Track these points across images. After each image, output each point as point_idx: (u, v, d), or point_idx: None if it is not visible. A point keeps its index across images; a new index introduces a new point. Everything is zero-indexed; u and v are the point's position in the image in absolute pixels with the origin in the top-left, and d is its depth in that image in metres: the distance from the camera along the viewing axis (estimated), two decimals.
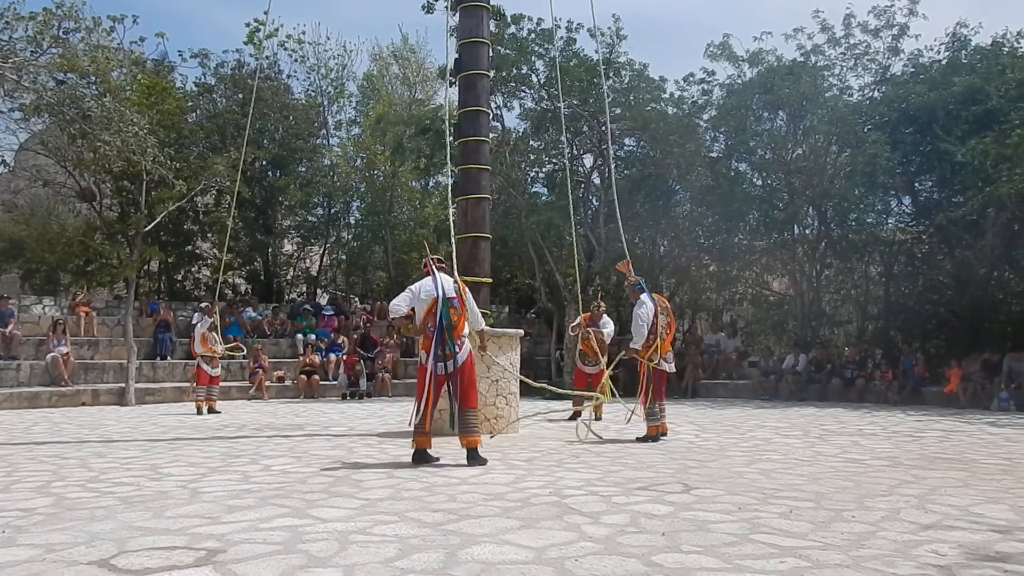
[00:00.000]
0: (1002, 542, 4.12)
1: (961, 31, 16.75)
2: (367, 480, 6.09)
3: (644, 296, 8.71)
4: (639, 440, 8.71)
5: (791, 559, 3.79)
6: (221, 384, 16.38)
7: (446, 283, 7.17)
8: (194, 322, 14.42)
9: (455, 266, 8.12)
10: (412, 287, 7.25)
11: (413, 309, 7.19)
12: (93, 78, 14.98)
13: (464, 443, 7.03)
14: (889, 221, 18.06)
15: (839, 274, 18.71)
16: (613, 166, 16.93)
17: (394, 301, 7.18)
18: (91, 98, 14.55)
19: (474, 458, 6.96)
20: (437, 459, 7.06)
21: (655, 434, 8.75)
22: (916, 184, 17.17)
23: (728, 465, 6.86)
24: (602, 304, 12.22)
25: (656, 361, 8.61)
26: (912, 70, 17.09)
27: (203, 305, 14.16)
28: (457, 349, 7.01)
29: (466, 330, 7.22)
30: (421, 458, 7.05)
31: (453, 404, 7.13)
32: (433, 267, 7.25)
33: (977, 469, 6.57)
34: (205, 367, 12.78)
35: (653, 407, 8.68)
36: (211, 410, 12.65)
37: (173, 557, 3.85)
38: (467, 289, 7.44)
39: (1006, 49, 16.03)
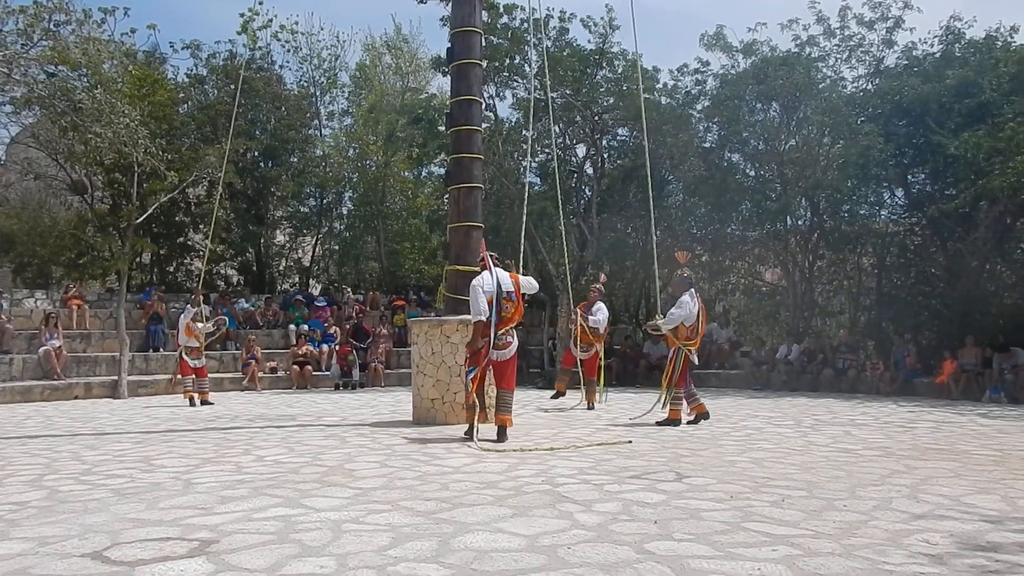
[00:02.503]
0: (993, 532, 4.15)
1: (955, 24, 16.75)
2: (360, 470, 6.09)
3: (687, 297, 9.06)
4: (660, 424, 9.10)
5: (783, 547, 3.81)
6: (214, 375, 16.43)
7: (502, 278, 7.99)
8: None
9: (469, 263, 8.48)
10: (475, 284, 7.92)
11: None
12: (84, 70, 14.90)
13: (497, 421, 7.95)
14: (882, 213, 18.09)
15: (831, 265, 18.76)
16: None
17: (475, 307, 7.85)
18: (82, 90, 14.47)
19: (502, 435, 7.73)
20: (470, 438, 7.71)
21: (677, 418, 9.15)
22: (909, 176, 17.20)
23: (720, 454, 6.88)
24: (599, 286, 12.15)
25: (689, 350, 9.10)
26: (906, 63, 17.09)
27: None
28: (510, 339, 7.98)
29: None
30: (471, 432, 7.78)
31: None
32: (490, 262, 8.06)
33: (968, 460, 6.60)
34: (187, 359, 12.66)
35: (680, 392, 9.15)
36: (204, 402, 12.58)
37: (166, 548, 3.85)
38: (520, 279, 8.24)
39: (999, 43, 16.04)
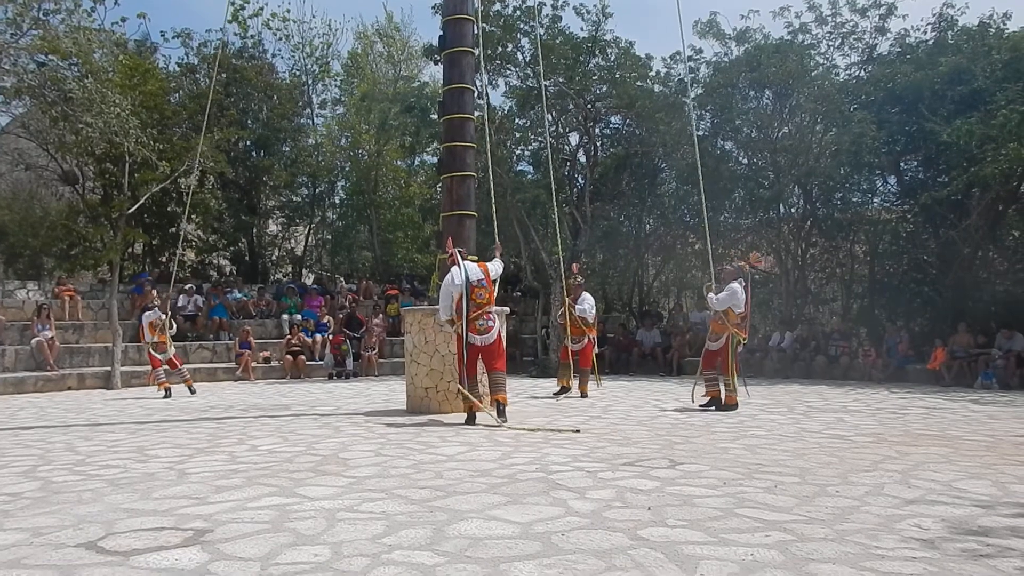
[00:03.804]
0: (984, 517, 4.17)
1: (948, 12, 16.78)
2: (354, 459, 6.10)
3: (737, 285, 9.47)
4: (719, 409, 9.40)
5: (776, 533, 3.83)
6: (207, 365, 16.43)
7: (470, 269, 8.38)
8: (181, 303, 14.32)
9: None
10: (444, 283, 8.46)
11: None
12: (74, 60, 14.79)
13: (493, 399, 8.34)
14: (874, 200, 18.14)
15: (824, 253, 18.80)
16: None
17: (442, 307, 8.49)
18: (72, 80, 14.38)
19: (502, 412, 8.19)
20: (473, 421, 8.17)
21: (734, 403, 9.49)
22: (901, 164, 17.22)
23: (713, 441, 6.91)
24: (579, 277, 12.28)
25: (739, 340, 9.59)
26: (899, 50, 17.10)
27: (188, 286, 14.06)
28: (491, 323, 8.34)
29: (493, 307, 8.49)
30: (473, 418, 8.22)
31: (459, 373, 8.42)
32: (459, 257, 8.43)
33: (960, 445, 6.64)
34: (154, 353, 12.66)
35: (728, 378, 9.46)
36: (188, 388, 12.57)
37: (161, 538, 3.85)
38: (487, 266, 8.63)
39: (992, 30, 16.06)
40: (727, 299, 9.46)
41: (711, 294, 9.66)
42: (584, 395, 11.51)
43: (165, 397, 12.14)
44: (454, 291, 8.35)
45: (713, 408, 9.49)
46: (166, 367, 12.67)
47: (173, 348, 12.96)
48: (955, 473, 5.36)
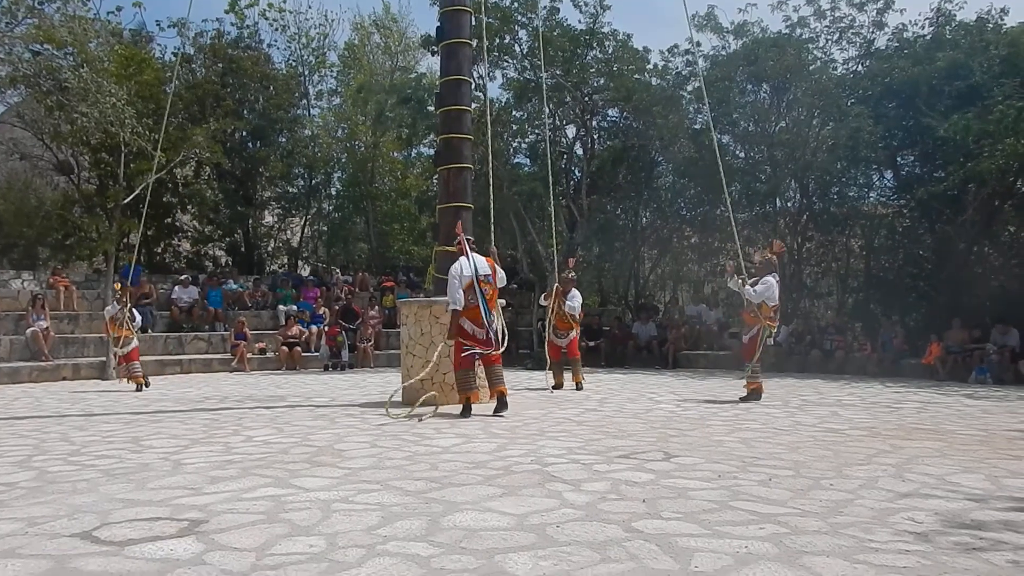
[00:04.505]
0: (977, 510, 4.19)
1: (946, 6, 16.76)
2: (349, 450, 6.10)
3: (772, 279, 9.65)
4: (743, 400, 9.60)
5: (770, 525, 3.84)
6: (202, 356, 16.43)
7: (479, 262, 8.28)
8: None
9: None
10: (452, 272, 8.23)
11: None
12: (70, 49, 14.74)
13: (495, 392, 8.40)
14: (871, 195, 18.14)
15: (820, 247, 18.81)
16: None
17: (450, 296, 8.23)
18: (68, 69, 14.34)
19: (503, 405, 8.26)
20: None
21: (759, 389, 9.75)
22: (898, 159, 17.24)
23: (708, 434, 6.92)
24: (573, 272, 12.37)
25: (769, 331, 9.78)
26: (896, 44, 17.08)
27: (184, 277, 13.92)
28: (494, 318, 8.35)
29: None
30: (468, 410, 8.18)
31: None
32: (467, 247, 8.34)
33: (954, 440, 6.66)
34: (117, 349, 12.27)
35: (758, 366, 9.72)
36: (139, 383, 12.07)
37: (156, 528, 3.85)
38: (496, 264, 8.60)
39: (990, 25, 16.05)
40: (763, 292, 9.60)
41: (747, 287, 9.72)
42: (579, 386, 11.54)
43: (138, 390, 11.79)
44: (462, 281, 8.21)
45: (751, 400, 9.64)
46: (122, 359, 12.23)
47: (136, 341, 12.45)
48: (949, 467, 5.38)
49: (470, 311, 8.19)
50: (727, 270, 10.03)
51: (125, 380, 12.34)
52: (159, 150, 12.49)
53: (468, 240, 8.56)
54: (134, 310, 12.55)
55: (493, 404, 8.49)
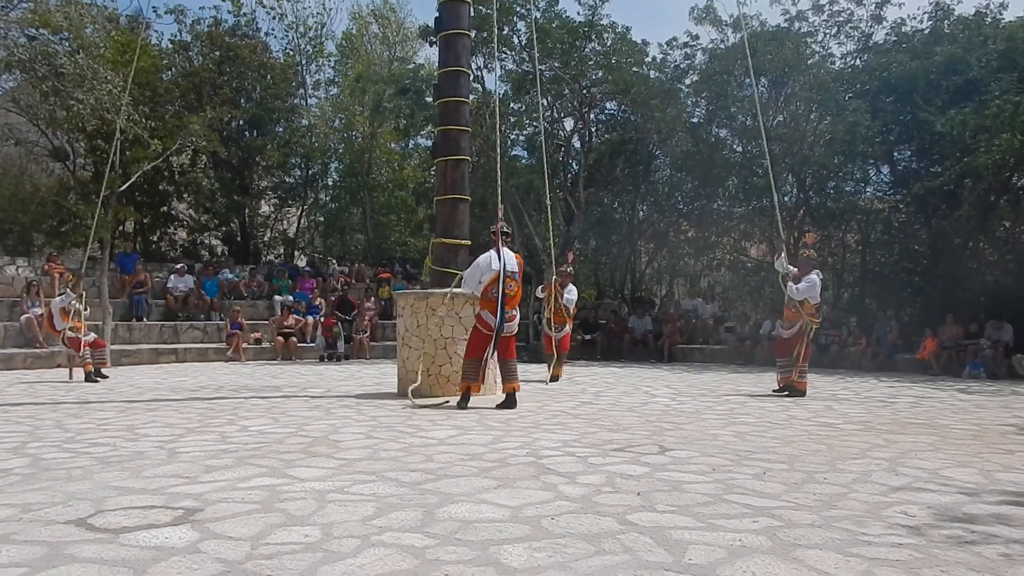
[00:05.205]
0: (970, 504, 4.21)
1: (944, 1, 16.74)
2: (345, 441, 6.10)
3: (815, 276, 9.74)
4: (788, 395, 9.62)
5: (764, 519, 3.85)
6: (198, 345, 16.40)
7: (508, 259, 8.21)
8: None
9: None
10: (479, 261, 8.29)
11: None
12: (66, 34, 14.66)
13: (507, 388, 8.31)
14: (867, 190, 18.16)
15: (816, 242, 18.82)
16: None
17: (468, 281, 8.38)
18: (64, 55, 14.26)
19: (512, 401, 8.21)
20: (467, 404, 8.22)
21: (804, 388, 9.71)
22: (895, 153, 17.25)
23: (703, 428, 6.94)
24: (571, 268, 12.48)
25: (812, 327, 9.85)
26: (894, 39, 17.07)
27: (179, 266, 13.84)
28: (515, 313, 8.31)
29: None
30: (466, 400, 8.23)
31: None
32: (500, 239, 8.26)
33: (947, 434, 6.69)
34: (75, 335, 11.62)
35: (804, 365, 9.73)
36: (98, 372, 11.70)
37: (151, 516, 3.85)
38: (522, 263, 8.64)
39: (988, 19, 16.04)
40: (807, 290, 9.65)
41: (791, 283, 9.77)
42: (557, 378, 11.60)
43: (89, 380, 11.31)
44: (487, 274, 8.16)
45: (787, 394, 9.65)
46: (80, 348, 11.63)
47: (92, 334, 12.06)
48: (942, 461, 5.40)
49: (488, 303, 8.17)
50: (779, 254, 10.03)
51: (81, 368, 11.64)
52: (155, 138, 12.40)
53: (504, 234, 8.47)
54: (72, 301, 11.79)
55: (495, 398, 8.50)
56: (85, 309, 12.14)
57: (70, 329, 11.67)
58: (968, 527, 3.76)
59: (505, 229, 8.63)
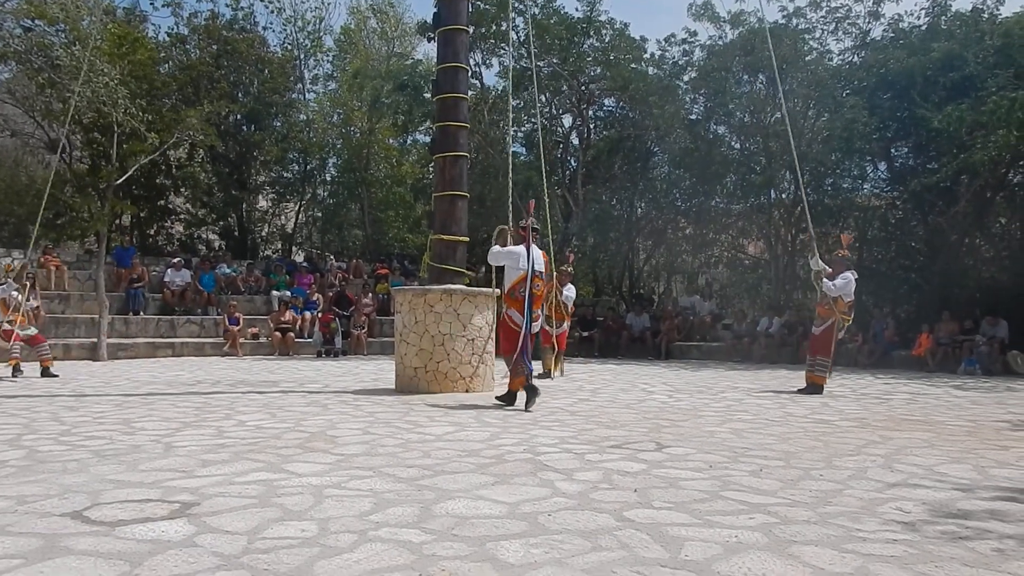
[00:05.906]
0: (964, 500, 4.22)
1: None
2: (342, 436, 6.10)
3: (850, 275, 9.77)
4: (804, 392, 9.73)
5: (760, 515, 3.86)
6: (195, 340, 16.38)
7: (537, 258, 8.01)
8: None
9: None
10: (514, 250, 8.02)
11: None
12: (62, 26, 14.60)
13: (512, 385, 8.14)
14: (864, 187, 18.19)
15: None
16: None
17: (494, 253, 8.13)
18: (60, 47, 14.20)
19: (512, 397, 8.13)
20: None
21: (822, 384, 9.85)
22: (892, 150, 17.26)
23: (700, 425, 6.94)
24: (571, 267, 12.63)
25: (843, 324, 9.91)
26: (892, 35, 17.07)
27: (176, 260, 13.79)
28: (539, 313, 8.30)
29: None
30: (513, 399, 8.09)
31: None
32: (530, 236, 7.95)
33: (942, 430, 6.70)
34: (11, 327, 11.25)
35: (827, 361, 9.86)
36: (46, 369, 11.34)
37: (147, 509, 3.84)
38: (548, 260, 8.57)
39: (985, 16, 16.05)
40: (843, 287, 9.68)
41: (826, 280, 9.78)
42: (549, 373, 11.66)
43: (14, 375, 10.97)
44: (514, 272, 7.95)
45: (812, 393, 9.67)
46: (21, 344, 11.33)
47: (33, 328, 11.69)
48: (937, 457, 5.42)
49: (516, 303, 7.94)
50: (813, 251, 10.06)
51: (17, 364, 11.25)
52: (152, 131, 12.35)
53: (534, 231, 8.09)
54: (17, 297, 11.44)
55: (488, 393, 8.49)
56: (29, 301, 11.60)
57: (8, 322, 11.25)
58: (962, 523, 3.76)
59: (535, 226, 8.18)
